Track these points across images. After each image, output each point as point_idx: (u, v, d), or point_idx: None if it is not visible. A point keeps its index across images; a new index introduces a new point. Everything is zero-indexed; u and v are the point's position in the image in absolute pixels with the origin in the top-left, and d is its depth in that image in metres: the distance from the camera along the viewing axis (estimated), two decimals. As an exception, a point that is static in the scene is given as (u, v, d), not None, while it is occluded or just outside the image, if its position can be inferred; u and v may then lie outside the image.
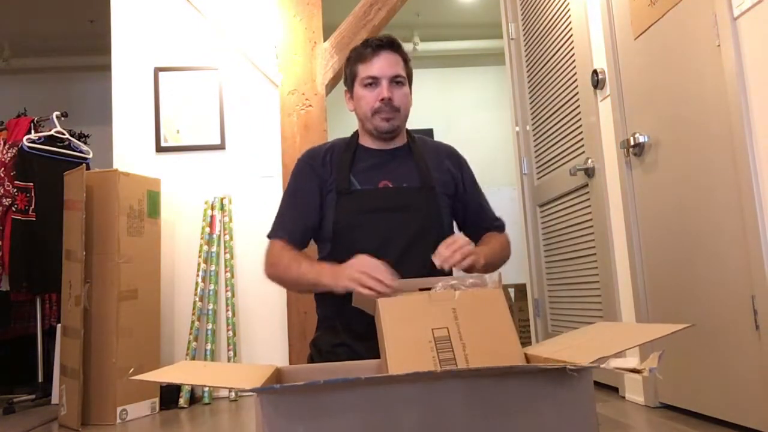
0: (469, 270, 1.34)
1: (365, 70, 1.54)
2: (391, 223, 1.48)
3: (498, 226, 1.69)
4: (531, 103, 3.20)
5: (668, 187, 2.01)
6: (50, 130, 3.41)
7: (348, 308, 1.44)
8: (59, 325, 2.83)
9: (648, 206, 2.14)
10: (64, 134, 3.46)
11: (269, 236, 1.58)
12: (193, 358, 2.98)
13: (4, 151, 3.36)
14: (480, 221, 1.67)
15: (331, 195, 1.54)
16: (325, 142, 1.68)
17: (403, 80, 1.55)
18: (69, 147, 3.48)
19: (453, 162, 1.65)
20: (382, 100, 1.51)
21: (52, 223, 3.11)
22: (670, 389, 2.06)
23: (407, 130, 1.65)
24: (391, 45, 1.55)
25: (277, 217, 1.60)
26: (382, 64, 1.52)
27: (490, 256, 1.47)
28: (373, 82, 1.53)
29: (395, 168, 1.56)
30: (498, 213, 1.73)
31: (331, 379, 0.79)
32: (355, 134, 1.64)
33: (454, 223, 1.66)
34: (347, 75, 1.60)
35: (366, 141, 1.61)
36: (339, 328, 1.48)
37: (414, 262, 1.44)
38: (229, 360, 3.00)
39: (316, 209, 1.55)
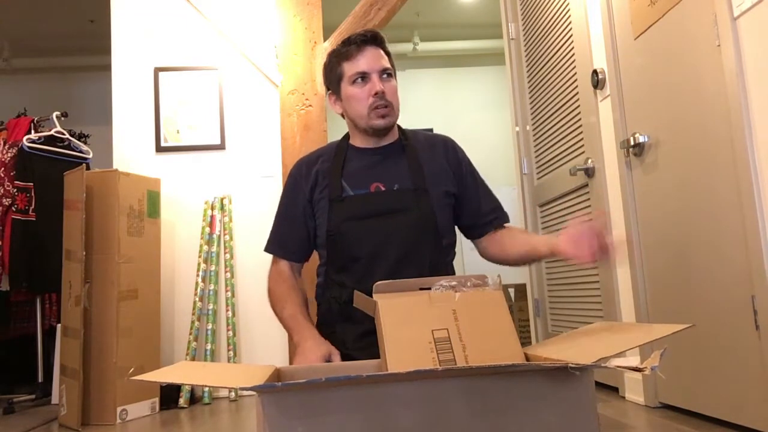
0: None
1: (352, 67, 1.49)
2: (386, 228, 1.46)
3: (498, 218, 1.58)
4: (531, 103, 3.20)
5: (668, 186, 2.01)
6: (50, 130, 3.41)
7: (347, 313, 1.45)
8: (59, 325, 2.82)
9: (648, 206, 2.14)
10: (64, 134, 3.45)
11: (266, 250, 1.62)
12: (193, 358, 2.97)
13: (4, 151, 3.36)
14: (478, 213, 1.58)
15: (323, 202, 1.52)
16: (317, 149, 1.66)
17: (391, 72, 1.52)
18: (69, 147, 3.48)
19: (448, 153, 1.60)
20: (376, 94, 1.47)
21: (52, 223, 3.11)
22: (670, 389, 2.06)
23: (398, 126, 1.61)
24: (375, 39, 1.51)
25: (272, 231, 1.62)
26: (368, 59, 1.48)
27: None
28: (363, 77, 1.48)
29: (387, 168, 1.53)
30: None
31: (332, 377, 0.79)
32: (346, 137, 1.61)
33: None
34: (331, 78, 1.56)
35: (357, 141, 1.57)
36: (336, 335, 1.47)
37: (411, 266, 1.43)
38: (229, 360, 3.00)
39: (305, 225, 1.56)
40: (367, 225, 1.46)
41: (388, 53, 1.54)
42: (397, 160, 1.54)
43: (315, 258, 1.62)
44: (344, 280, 1.47)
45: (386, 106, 1.49)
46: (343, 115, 1.59)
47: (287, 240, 1.59)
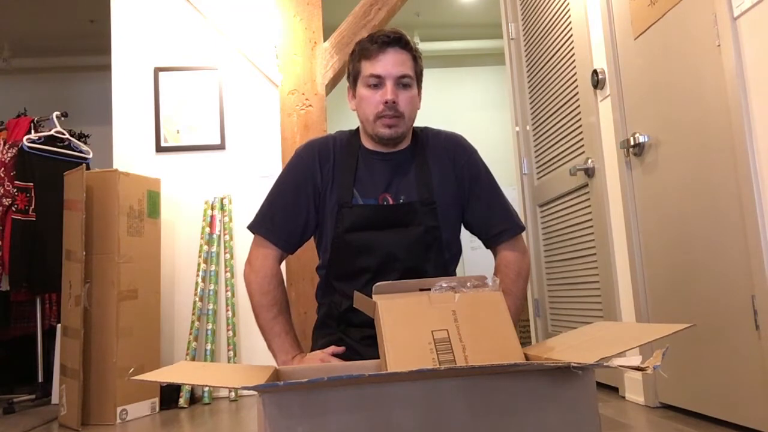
0: None
1: (369, 68, 1.42)
2: (390, 242, 1.43)
3: (506, 231, 1.51)
4: (531, 103, 3.20)
5: (668, 186, 2.01)
6: (50, 130, 3.41)
7: (347, 320, 1.45)
8: (59, 325, 2.82)
9: (648, 206, 2.14)
10: (64, 134, 3.45)
11: (255, 230, 1.55)
12: (193, 358, 2.97)
13: (4, 151, 3.36)
14: (485, 225, 1.52)
15: (331, 202, 1.47)
16: (326, 135, 1.58)
17: (410, 81, 1.44)
18: (69, 147, 3.48)
19: (459, 159, 1.54)
20: (386, 103, 1.40)
21: (52, 223, 3.11)
22: (670, 389, 2.06)
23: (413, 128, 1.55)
24: (399, 41, 1.42)
25: (265, 213, 1.54)
26: (387, 63, 1.41)
27: (517, 313, 1.45)
28: (378, 82, 1.42)
29: (397, 179, 1.48)
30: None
31: (334, 376, 0.79)
32: (357, 133, 1.55)
33: (461, 234, 1.57)
34: (350, 71, 1.50)
35: (367, 142, 1.52)
36: (336, 335, 1.46)
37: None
38: (229, 360, 3.00)
39: (306, 217, 1.50)
40: (372, 238, 1.43)
41: (415, 56, 1.46)
42: (406, 170, 1.49)
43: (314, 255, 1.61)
44: (345, 289, 1.45)
45: (395, 116, 1.42)
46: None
47: (282, 227, 1.50)
